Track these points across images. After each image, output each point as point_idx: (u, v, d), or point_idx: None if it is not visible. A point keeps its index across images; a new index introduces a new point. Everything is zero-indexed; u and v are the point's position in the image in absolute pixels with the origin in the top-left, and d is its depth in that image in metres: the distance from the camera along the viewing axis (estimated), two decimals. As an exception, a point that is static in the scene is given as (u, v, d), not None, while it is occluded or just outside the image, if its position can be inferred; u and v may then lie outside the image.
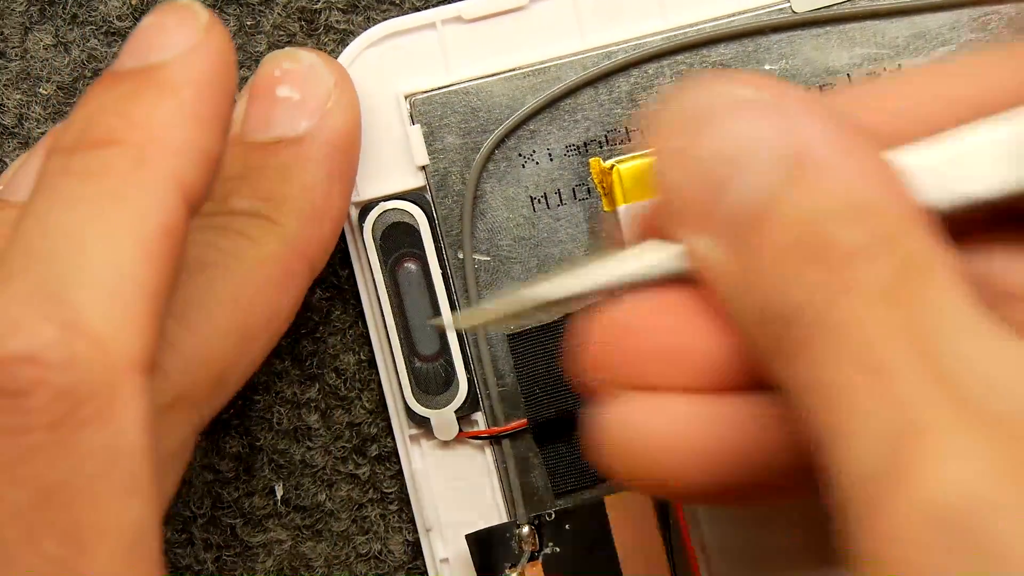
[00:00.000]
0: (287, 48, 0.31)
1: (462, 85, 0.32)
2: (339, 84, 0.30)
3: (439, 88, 0.32)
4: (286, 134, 0.29)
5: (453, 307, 0.32)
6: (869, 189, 0.20)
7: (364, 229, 0.32)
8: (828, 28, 0.32)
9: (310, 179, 0.29)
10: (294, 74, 0.30)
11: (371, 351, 0.33)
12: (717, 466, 0.22)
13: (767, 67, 0.32)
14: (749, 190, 0.21)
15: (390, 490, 0.33)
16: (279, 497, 0.33)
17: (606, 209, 0.32)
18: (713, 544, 0.31)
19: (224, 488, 0.33)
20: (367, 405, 0.33)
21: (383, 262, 0.32)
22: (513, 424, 0.32)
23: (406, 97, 0.32)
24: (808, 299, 0.20)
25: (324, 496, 0.33)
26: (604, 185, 0.32)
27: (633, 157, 0.31)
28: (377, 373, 0.33)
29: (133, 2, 0.33)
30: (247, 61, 0.33)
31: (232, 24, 0.33)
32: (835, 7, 0.32)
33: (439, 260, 0.32)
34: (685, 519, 0.32)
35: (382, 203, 0.32)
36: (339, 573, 0.34)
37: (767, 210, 0.21)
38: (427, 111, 0.32)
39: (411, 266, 0.32)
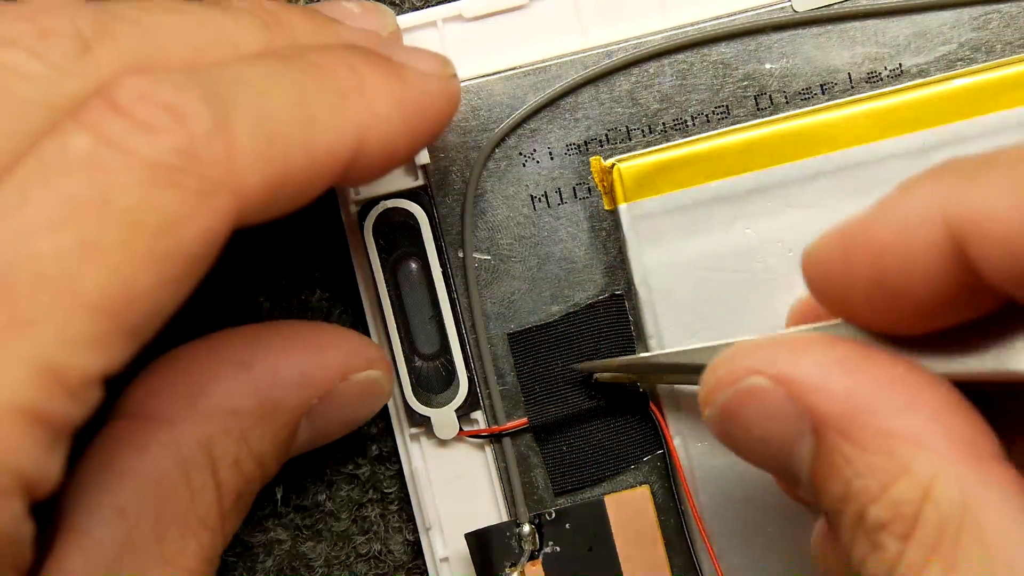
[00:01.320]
0: None
1: (463, 83, 0.32)
2: (395, 34, 0.30)
3: (439, 87, 0.32)
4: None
5: (453, 306, 0.32)
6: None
7: (364, 228, 0.32)
8: (829, 27, 0.32)
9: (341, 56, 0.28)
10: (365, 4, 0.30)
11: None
12: None
13: (768, 66, 0.32)
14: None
15: (390, 490, 0.33)
16: (279, 498, 0.33)
17: (607, 208, 0.32)
18: (721, 529, 0.31)
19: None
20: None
21: (383, 261, 0.32)
22: (513, 423, 0.32)
23: (406, 95, 0.32)
24: None
25: (324, 496, 0.33)
26: (605, 184, 0.32)
27: (633, 156, 0.31)
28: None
29: None
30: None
31: None
32: (836, 6, 0.32)
33: (439, 259, 0.32)
34: (696, 509, 0.32)
35: (382, 202, 0.32)
36: (339, 573, 0.33)
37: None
38: (427, 110, 0.32)
39: (411, 265, 0.32)
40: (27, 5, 0.25)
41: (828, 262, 0.24)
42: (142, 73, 0.23)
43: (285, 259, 0.33)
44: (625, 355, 0.32)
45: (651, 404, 0.32)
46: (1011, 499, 0.21)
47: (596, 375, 0.32)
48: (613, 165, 0.31)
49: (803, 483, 0.24)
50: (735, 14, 0.32)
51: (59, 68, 0.24)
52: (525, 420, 0.32)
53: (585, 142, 0.32)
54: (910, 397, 0.22)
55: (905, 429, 0.22)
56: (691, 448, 0.32)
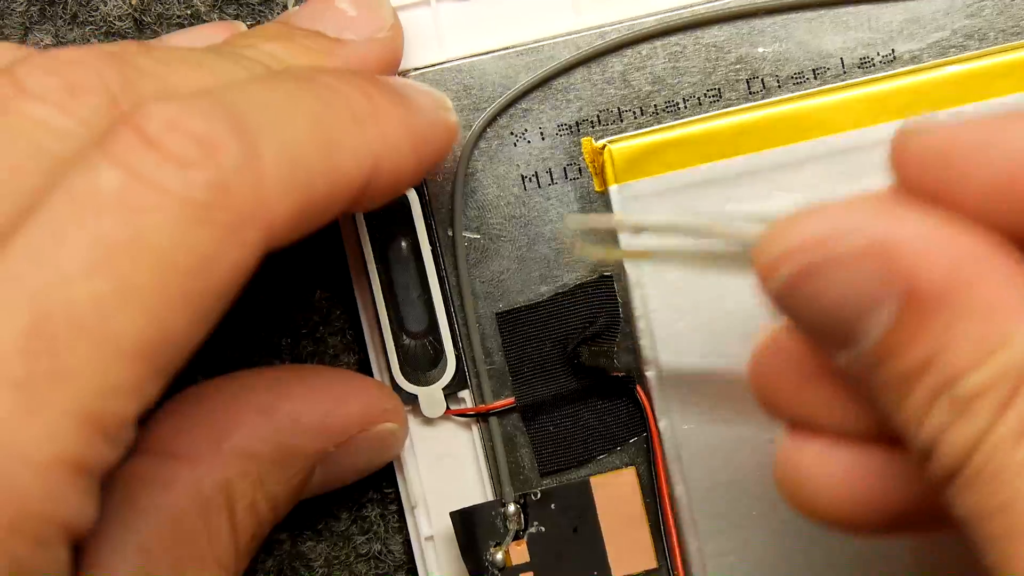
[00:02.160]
0: None
1: (455, 62, 0.32)
2: (395, 27, 0.30)
3: (432, 65, 0.32)
4: (328, 32, 0.29)
5: (442, 284, 0.32)
6: None
7: (354, 205, 0.32)
8: (822, 11, 0.32)
9: (348, 83, 0.28)
10: None
11: (363, 336, 0.33)
12: (871, 511, 0.24)
13: (760, 50, 0.32)
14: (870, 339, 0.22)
15: (390, 490, 0.33)
16: None
17: (597, 189, 0.32)
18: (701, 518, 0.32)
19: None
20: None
21: (373, 238, 0.32)
22: (500, 402, 0.32)
23: (399, 74, 0.32)
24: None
25: (324, 496, 0.33)
26: (596, 165, 0.32)
27: (625, 137, 0.31)
28: (365, 352, 0.33)
29: (133, 2, 0.33)
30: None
31: None
32: (829, -9, 0.32)
33: (429, 237, 0.32)
34: (669, 493, 0.32)
35: (373, 179, 0.32)
36: (339, 573, 0.33)
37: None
38: (420, 88, 0.32)
39: (401, 243, 0.32)
40: (53, 58, 0.25)
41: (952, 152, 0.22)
42: (169, 100, 0.23)
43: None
44: (614, 339, 0.32)
45: (637, 387, 0.32)
46: None
47: (582, 356, 0.32)
48: (604, 146, 0.31)
49: (860, 351, 0.22)
50: (729, -3, 0.32)
51: (88, 124, 0.24)
52: (512, 400, 0.32)
53: (577, 123, 0.32)
54: (1011, 270, 0.22)
55: (1008, 301, 0.21)
56: (678, 430, 0.32)
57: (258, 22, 0.33)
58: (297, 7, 0.30)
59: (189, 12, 0.33)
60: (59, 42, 0.33)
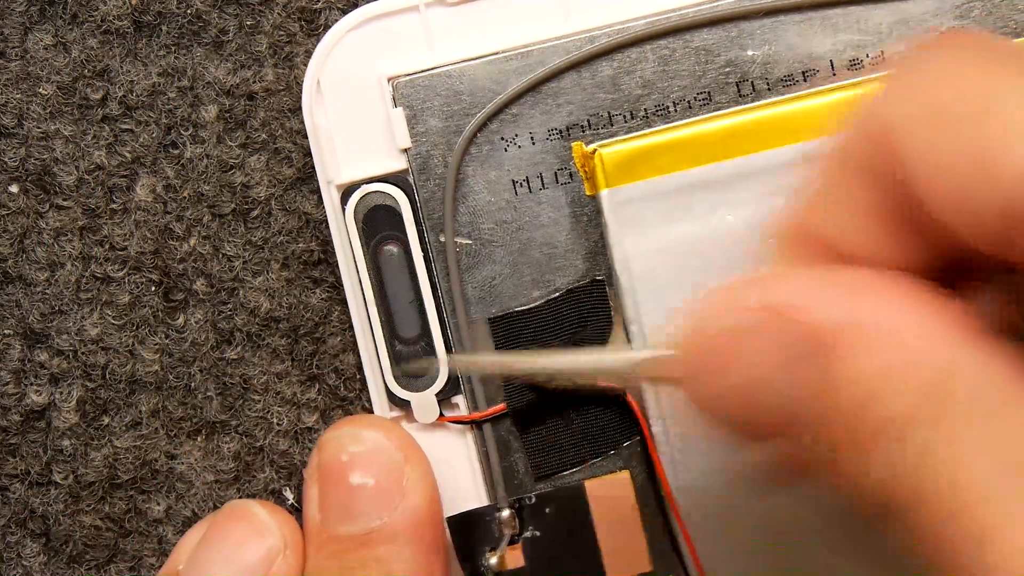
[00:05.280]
0: (347, 426, 0.31)
1: (445, 68, 0.32)
2: (409, 458, 0.31)
3: (422, 71, 0.32)
4: (373, 524, 0.30)
5: (435, 290, 0.32)
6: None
7: (346, 211, 0.32)
8: (811, 14, 0.32)
9: (408, 564, 0.30)
10: (362, 458, 0.31)
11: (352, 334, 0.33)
12: None
13: (750, 52, 0.32)
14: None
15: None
16: (291, 501, 0.33)
17: (588, 193, 0.32)
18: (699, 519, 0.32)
19: (226, 489, 0.33)
20: (367, 405, 0.33)
21: (364, 245, 0.32)
22: (493, 408, 0.32)
23: (389, 80, 0.32)
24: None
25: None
26: (586, 169, 0.32)
27: (615, 142, 0.32)
28: (359, 356, 0.33)
29: (133, 2, 0.33)
30: (248, 61, 0.33)
31: (232, 24, 0.33)
32: (818, -7, 0.32)
33: (421, 243, 0.32)
34: (674, 499, 0.32)
35: (364, 186, 0.32)
36: None
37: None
38: (410, 94, 0.32)
39: (392, 249, 0.32)
40: None
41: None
42: None
43: (268, 245, 0.33)
44: (604, 341, 0.32)
45: (627, 393, 0.32)
46: (991, 359, 0.21)
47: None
48: (595, 150, 0.31)
49: (802, 417, 0.23)
50: (717, 0, 0.32)
51: None
52: (504, 406, 0.32)
53: (567, 127, 0.32)
54: (902, 296, 0.22)
55: (910, 322, 0.22)
56: (671, 433, 0.32)
57: (258, 22, 0.33)
58: (319, 497, 0.31)
59: (190, 12, 0.33)
60: (59, 42, 0.33)
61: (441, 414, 0.32)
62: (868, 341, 0.22)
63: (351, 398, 0.33)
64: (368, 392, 0.33)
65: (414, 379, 0.32)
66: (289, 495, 0.33)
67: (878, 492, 0.22)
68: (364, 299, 0.32)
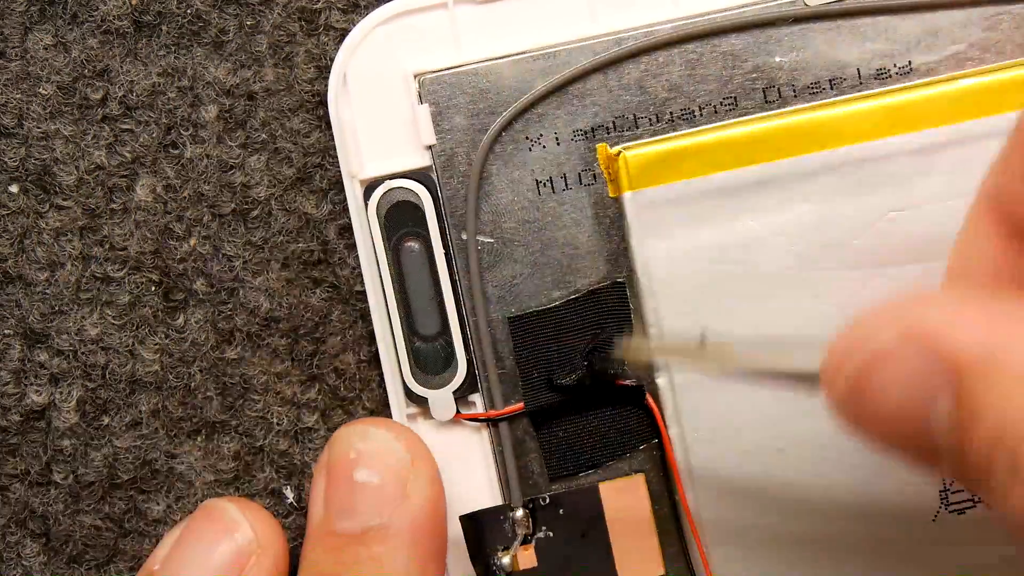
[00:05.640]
0: (357, 424, 0.31)
1: (472, 66, 0.32)
2: (416, 459, 0.31)
3: (448, 68, 0.32)
4: (372, 523, 0.30)
5: (455, 288, 0.32)
6: None
7: (369, 207, 0.32)
8: (840, 22, 0.32)
9: (402, 567, 0.30)
10: (369, 456, 0.31)
11: (373, 346, 0.33)
12: None
13: (777, 59, 0.32)
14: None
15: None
16: (291, 500, 0.33)
17: (611, 195, 0.32)
18: (712, 523, 0.32)
19: (226, 489, 0.33)
20: (367, 405, 0.33)
21: (386, 240, 0.32)
22: (510, 408, 0.32)
23: (415, 76, 0.32)
24: None
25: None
26: (610, 171, 0.32)
27: (640, 144, 0.32)
28: (379, 363, 0.33)
29: (133, 2, 0.33)
30: (248, 61, 0.33)
31: (232, 24, 0.33)
32: (847, 2, 0.32)
33: (442, 240, 0.32)
34: (687, 500, 0.32)
35: (387, 181, 0.32)
36: None
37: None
38: (436, 91, 0.32)
39: (414, 245, 0.32)
40: None
41: None
42: None
43: (281, 242, 0.33)
44: (624, 341, 0.32)
45: (647, 395, 0.32)
46: None
47: (593, 363, 0.32)
48: (619, 153, 0.31)
49: (944, 447, 0.22)
50: (746, 5, 0.32)
51: None
52: (521, 405, 0.32)
53: (592, 129, 0.32)
54: None
55: None
56: (688, 438, 0.32)
57: (258, 22, 0.33)
58: (325, 493, 0.31)
59: (190, 12, 0.33)
60: (59, 42, 0.33)
61: (458, 411, 0.32)
62: (1005, 372, 0.21)
63: (351, 398, 0.33)
64: (368, 392, 0.33)
65: (432, 376, 0.32)
66: (289, 495, 0.33)
67: (1017, 528, 0.21)
68: (384, 295, 0.32)
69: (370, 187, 0.32)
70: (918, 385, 0.22)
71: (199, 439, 0.33)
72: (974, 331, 0.21)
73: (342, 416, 0.33)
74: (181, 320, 0.33)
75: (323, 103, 0.33)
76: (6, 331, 0.33)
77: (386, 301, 0.32)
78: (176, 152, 0.33)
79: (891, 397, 0.22)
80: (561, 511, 0.32)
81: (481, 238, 0.32)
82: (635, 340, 0.32)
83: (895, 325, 0.22)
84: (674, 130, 0.32)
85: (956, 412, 0.22)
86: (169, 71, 0.33)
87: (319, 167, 0.33)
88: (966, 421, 0.21)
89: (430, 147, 0.32)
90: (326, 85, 0.33)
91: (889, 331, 0.22)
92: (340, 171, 0.32)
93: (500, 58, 0.32)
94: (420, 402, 0.32)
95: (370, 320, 0.33)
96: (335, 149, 0.32)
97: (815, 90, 0.32)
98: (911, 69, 0.32)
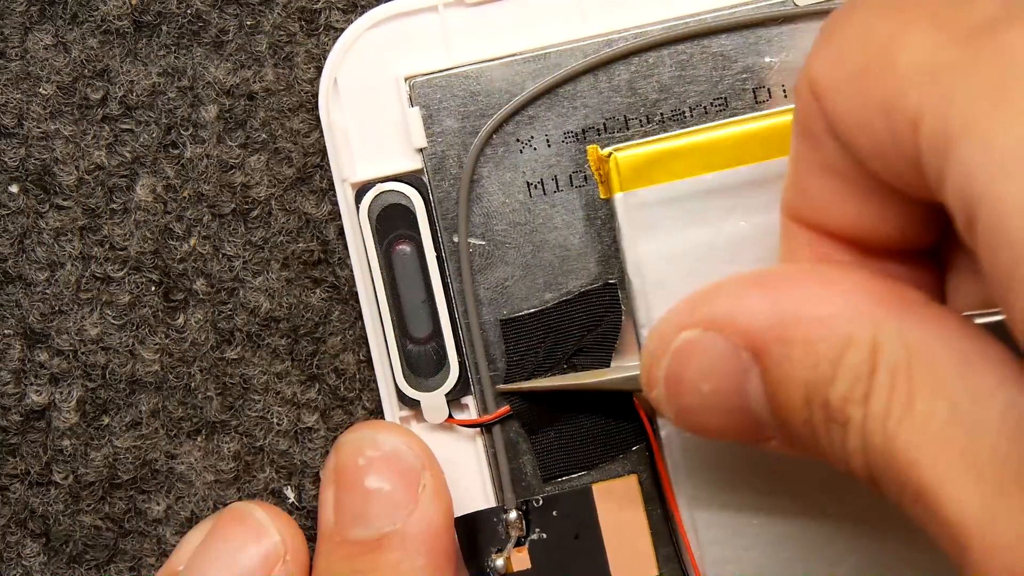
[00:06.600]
0: (366, 430, 0.31)
1: (462, 69, 0.32)
2: (427, 467, 0.31)
3: (439, 71, 0.32)
4: (386, 529, 0.30)
5: (447, 290, 0.32)
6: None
7: (360, 210, 0.32)
8: (829, 22, 0.32)
9: (419, 572, 0.30)
10: (380, 463, 0.31)
11: (366, 341, 0.33)
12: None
13: (767, 59, 0.32)
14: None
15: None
16: (292, 500, 0.33)
17: (602, 196, 0.32)
18: (703, 524, 0.32)
19: (226, 489, 0.33)
20: (367, 405, 0.33)
21: (378, 243, 0.32)
22: (501, 411, 0.32)
23: (406, 79, 0.32)
24: None
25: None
26: (601, 173, 0.32)
27: (630, 146, 0.32)
28: (370, 355, 0.33)
29: (133, 2, 0.33)
30: (248, 61, 0.33)
31: (232, 24, 0.33)
32: (836, 1, 0.32)
33: (434, 243, 0.32)
34: (677, 504, 0.32)
35: (378, 184, 0.32)
36: None
37: None
38: (426, 94, 0.32)
39: (406, 248, 0.32)
40: None
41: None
42: None
43: (277, 244, 0.33)
44: (615, 346, 0.32)
45: (635, 399, 0.32)
46: (945, 330, 0.22)
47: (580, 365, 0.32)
48: (610, 154, 0.31)
49: (767, 420, 0.24)
50: (736, 6, 0.32)
51: None
52: (508, 408, 0.32)
53: (583, 130, 0.32)
54: (824, 283, 0.23)
55: (832, 309, 0.22)
56: (677, 440, 0.32)
57: (258, 22, 0.33)
58: (335, 499, 0.31)
59: (190, 12, 0.33)
60: (59, 42, 0.33)
61: (450, 415, 0.32)
62: (795, 338, 0.22)
63: (351, 398, 0.33)
64: (368, 392, 0.33)
65: (424, 379, 0.32)
66: (290, 494, 0.33)
67: (857, 475, 0.22)
68: (376, 298, 0.32)
69: (361, 190, 0.32)
70: (726, 369, 0.23)
71: (199, 439, 0.33)
72: (761, 307, 0.23)
73: (342, 416, 0.33)
74: (181, 320, 0.33)
75: (322, 104, 0.33)
76: (6, 331, 0.33)
77: (378, 304, 0.32)
78: (176, 152, 0.33)
79: (706, 387, 0.24)
80: (554, 513, 0.32)
81: (473, 240, 0.32)
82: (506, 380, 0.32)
83: (690, 319, 0.24)
84: (665, 131, 0.32)
85: (766, 386, 0.23)
86: (169, 71, 0.33)
87: (319, 167, 0.33)
88: (776, 391, 0.23)
89: (421, 150, 0.32)
90: (325, 86, 0.33)
91: (686, 326, 0.24)
92: (336, 173, 0.33)
93: (490, 60, 0.32)
94: (412, 405, 0.32)
95: (371, 320, 0.33)
96: (333, 150, 0.33)
97: (805, 90, 0.32)
98: (901, 68, 0.32)
